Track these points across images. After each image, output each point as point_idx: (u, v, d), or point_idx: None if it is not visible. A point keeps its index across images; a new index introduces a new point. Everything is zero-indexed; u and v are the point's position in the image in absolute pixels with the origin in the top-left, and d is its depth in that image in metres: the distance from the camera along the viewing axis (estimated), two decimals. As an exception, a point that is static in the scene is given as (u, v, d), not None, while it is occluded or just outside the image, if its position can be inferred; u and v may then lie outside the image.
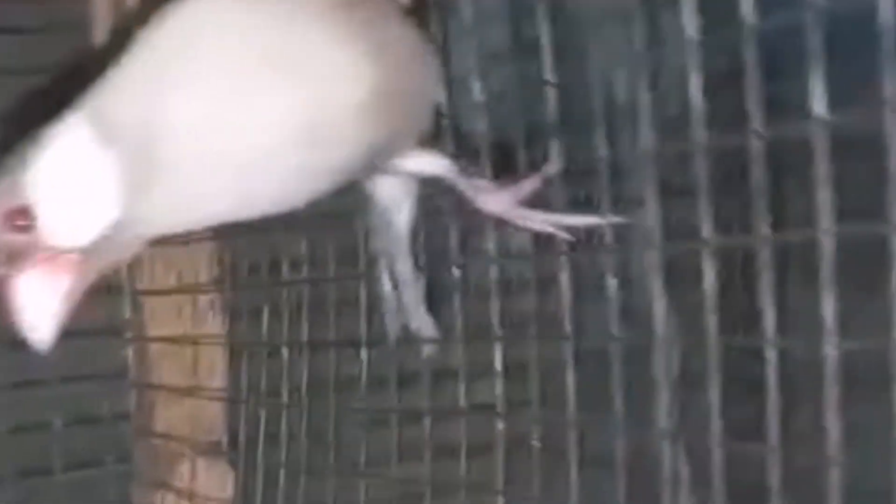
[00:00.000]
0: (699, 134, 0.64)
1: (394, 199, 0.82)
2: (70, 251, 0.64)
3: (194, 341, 1.11)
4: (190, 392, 1.09)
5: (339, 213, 0.88)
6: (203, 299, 1.11)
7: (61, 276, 0.64)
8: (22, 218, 0.64)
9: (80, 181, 0.64)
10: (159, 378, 1.13)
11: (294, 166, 0.66)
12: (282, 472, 0.98)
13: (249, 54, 0.64)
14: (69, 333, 1.08)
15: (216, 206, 0.67)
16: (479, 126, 0.79)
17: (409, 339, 0.85)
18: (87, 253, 0.64)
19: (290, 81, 0.64)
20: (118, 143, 0.64)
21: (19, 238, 0.64)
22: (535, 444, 0.77)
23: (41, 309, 0.64)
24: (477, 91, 0.79)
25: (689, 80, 0.64)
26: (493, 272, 0.79)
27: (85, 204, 0.64)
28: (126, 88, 0.65)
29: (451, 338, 0.82)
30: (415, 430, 0.86)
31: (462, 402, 0.82)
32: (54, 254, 0.64)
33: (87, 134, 0.64)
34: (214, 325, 1.10)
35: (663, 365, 0.68)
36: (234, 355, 1.08)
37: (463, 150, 0.80)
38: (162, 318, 1.13)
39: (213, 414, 1.09)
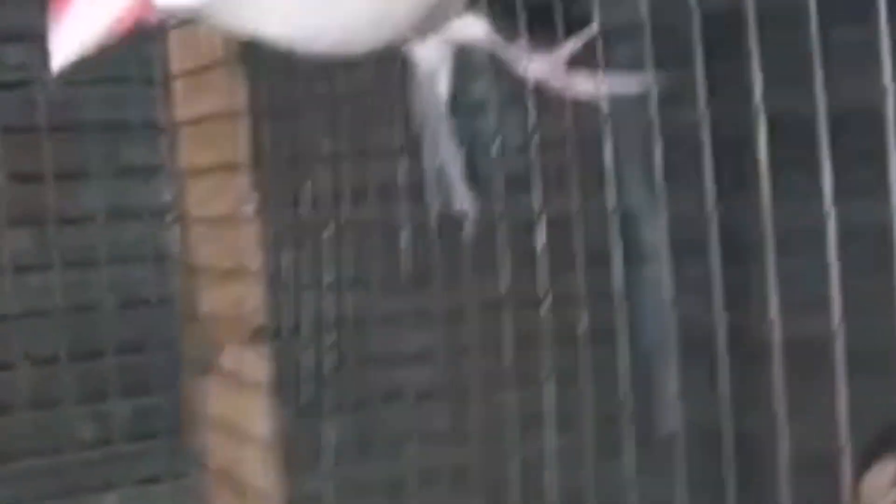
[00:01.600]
0: None
1: (434, 65, 0.79)
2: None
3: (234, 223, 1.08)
4: (230, 275, 1.07)
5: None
6: (243, 181, 1.08)
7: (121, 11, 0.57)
8: None
9: None
10: (202, 261, 1.11)
11: (364, 5, 0.63)
12: (323, 359, 0.96)
13: None
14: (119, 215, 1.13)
15: (294, 18, 0.62)
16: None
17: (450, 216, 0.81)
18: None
19: None
20: None
21: None
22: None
23: (81, 28, 0.57)
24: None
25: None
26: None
27: None
28: None
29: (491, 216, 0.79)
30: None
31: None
32: None
33: None
34: (254, 208, 1.07)
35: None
36: (276, 239, 1.05)
37: (500, 12, 0.76)
38: (203, 201, 1.11)
39: (255, 298, 1.07)
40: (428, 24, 0.70)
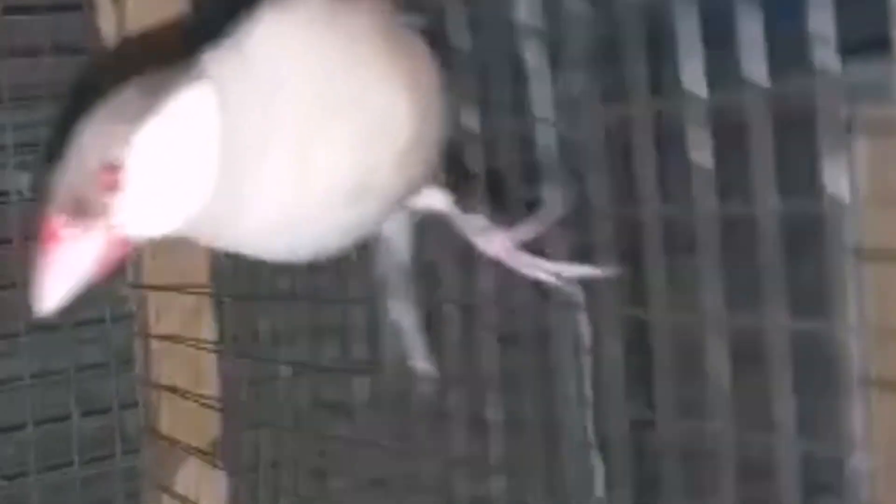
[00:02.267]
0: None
1: (395, 230, 0.80)
2: (125, 235, 0.61)
3: (188, 343, 1.08)
4: (183, 395, 1.07)
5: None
6: (200, 302, 1.08)
7: (98, 246, 0.60)
8: (109, 174, 0.60)
9: (182, 158, 0.61)
10: (160, 376, 1.10)
11: (339, 222, 0.66)
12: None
13: (329, 102, 0.63)
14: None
15: (270, 242, 0.66)
16: (476, 161, 0.75)
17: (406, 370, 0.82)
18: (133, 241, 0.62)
19: (347, 128, 0.64)
20: (227, 130, 0.61)
21: (95, 194, 0.60)
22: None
23: (64, 277, 0.60)
24: (473, 125, 0.75)
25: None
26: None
27: (175, 190, 0.61)
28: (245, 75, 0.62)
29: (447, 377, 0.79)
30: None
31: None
32: (110, 229, 0.60)
33: (211, 101, 0.61)
34: (211, 330, 1.07)
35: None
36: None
37: (461, 184, 0.76)
38: (165, 315, 1.11)
39: (210, 417, 1.07)
40: (396, 209, 0.71)
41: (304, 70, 0.63)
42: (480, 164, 0.76)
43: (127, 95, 0.61)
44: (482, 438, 0.76)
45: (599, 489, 0.70)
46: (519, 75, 0.72)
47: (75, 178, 0.60)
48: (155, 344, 1.11)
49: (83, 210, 0.60)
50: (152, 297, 1.11)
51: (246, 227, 0.64)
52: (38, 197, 1.12)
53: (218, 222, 0.63)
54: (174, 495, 1.08)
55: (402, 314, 0.81)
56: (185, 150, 0.61)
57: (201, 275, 1.08)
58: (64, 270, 0.60)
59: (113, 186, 0.60)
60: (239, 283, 1.00)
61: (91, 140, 0.60)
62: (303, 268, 0.86)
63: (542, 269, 0.72)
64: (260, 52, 0.63)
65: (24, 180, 1.16)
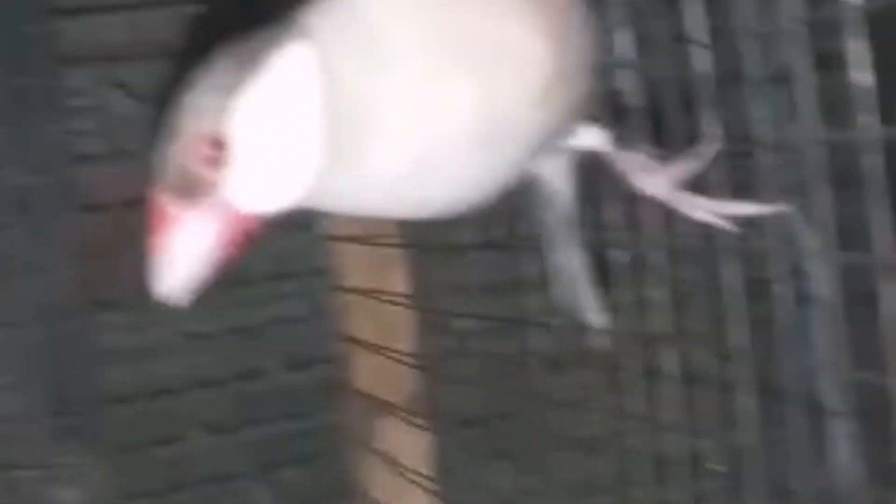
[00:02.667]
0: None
1: (556, 176, 0.74)
2: (251, 217, 0.58)
3: (380, 296, 1.05)
4: (378, 350, 1.04)
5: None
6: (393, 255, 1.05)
7: (212, 225, 0.57)
8: (212, 149, 0.57)
9: (288, 125, 0.57)
10: (355, 330, 1.08)
11: (472, 168, 0.61)
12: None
13: (444, 39, 0.58)
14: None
15: (397, 197, 0.61)
16: (634, 93, 0.69)
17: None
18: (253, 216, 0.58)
19: (479, 71, 0.59)
20: (332, 90, 0.57)
21: (200, 170, 0.57)
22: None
23: (181, 259, 0.57)
24: (630, 54, 0.69)
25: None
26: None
27: (286, 159, 0.57)
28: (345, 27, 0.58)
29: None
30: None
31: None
32: (225, 206, 0.57)
33: (312, 61, 0.57)
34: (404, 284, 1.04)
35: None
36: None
37: (619, 120, 0.70)
38: (357, 267, 1.09)
39: (406, 371, 1.04)
40: (541, 150, 0.66)
41: (417, 8, 0.58)
42: (638, 98, 0.70)
43: (222, 62, 0.57)
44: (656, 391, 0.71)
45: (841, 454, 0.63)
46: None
47: (178, 155, 0.57)
48: (349, 298, 1.09)
49: (191, 188, 0.57)
50: (346, 249, 1.09)
51: (370, 185, 0.59)
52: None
53: (339, 186, 0.59)
54: (374, 451, 1.06)
55: (569, 263, 0.76)
56: (291, 115, 0.57)
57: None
58: (180, 252, 0.57)
59: (218, 161, 0.56)
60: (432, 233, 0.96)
61: (190, 114, 0.57)
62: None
63: (704, 208, 0.66)
64: None
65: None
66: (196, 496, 1.13)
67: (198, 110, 0.57)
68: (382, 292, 1.05)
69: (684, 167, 0.67)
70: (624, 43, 0.70)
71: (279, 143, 0.57)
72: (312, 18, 0.58)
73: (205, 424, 1.14)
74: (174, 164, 0.57)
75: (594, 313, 0.76)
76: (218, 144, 0.56)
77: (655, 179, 0.68)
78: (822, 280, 0.59)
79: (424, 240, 0.99)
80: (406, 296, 1.04)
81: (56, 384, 1.11)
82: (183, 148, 0.56)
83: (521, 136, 0.61)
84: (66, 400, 1.11)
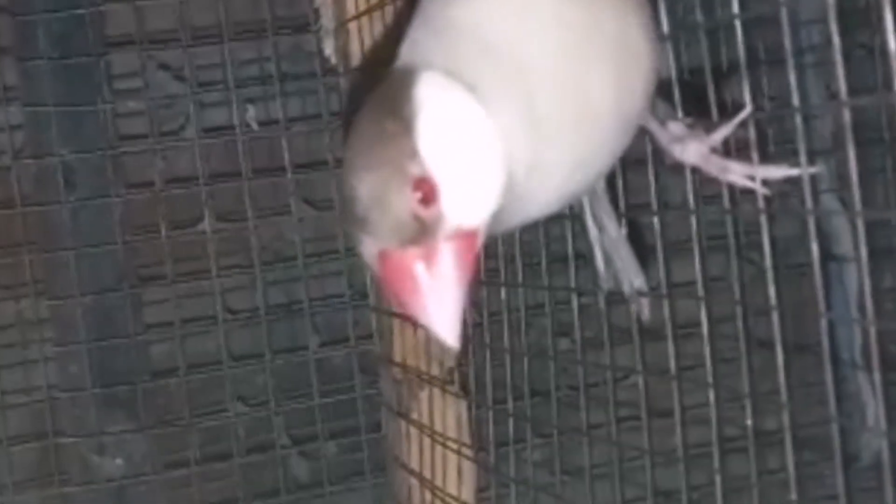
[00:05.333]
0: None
1: None
2: (469, 229, 0.59)
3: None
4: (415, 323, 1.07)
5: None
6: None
7: (459, 257, 0.58)
8: (420, 190, 0.58)
9: (470, 146, 0.59)
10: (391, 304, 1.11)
11: (611, 155, 0.66)
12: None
13: (583, 39, 0.62)
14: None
15: (563, 189, 0.65)
16: (668, 65, 0.71)
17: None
18: (480, 230, 0.59)
19: (616, 68, 0.63)
20: (494, 100, 0.60)
21: (420, 212, 0.58)
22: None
23: (445, 303, 0.58)
24: (663, 26, 0.71)
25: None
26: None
27: (478, 174, 0.59)
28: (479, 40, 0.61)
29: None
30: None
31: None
32: (453, 233, 0.58)
33: (462, 94, 0.60)
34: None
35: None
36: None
37: (655, 91, 0.73)
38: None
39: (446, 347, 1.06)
40: None
41: (557, 17, 0.62)
42: (673, 69, 0.72)
43: (378, 110, 0.60)
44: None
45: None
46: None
47: (392, 209, 0.58)
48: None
49: (416, 232, 0.58)
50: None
51: (546, 181, 0.63)
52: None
53: (521, 184, 0.61)
54: (413, 423, 1.08)
55: (607, 232, 0.79)
56: (467, 135, 0.59)
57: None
58: (440, 297, 0.58)
59: (430, 197, 0.58)
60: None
61: (381, 171, 0.58)
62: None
63: (738, 173, 0.68)
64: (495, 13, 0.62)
65: (251, 114, 1.19)
66: (235, 467, 1.16)
67: (389, 165, 0.58)
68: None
69: (718, 133, 0.69)
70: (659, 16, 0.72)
71: (468, 162, 0.59)
72: (438, 43, 0.62)
73: (244, 397, 1.18)
74: (392, 218, 0.58)
75: (634, 279, 0.78)
76: (422, 183, 0.58)
77: (690, 146, 0.70)
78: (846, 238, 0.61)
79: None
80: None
81: (102, 356, 1.14)
82: (394, 201, 0.58)
83: (633, 124, 0.66)
84: (111, 371, 1.15)
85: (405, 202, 0.58)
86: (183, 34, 1.15)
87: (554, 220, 0.81)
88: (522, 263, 0.90)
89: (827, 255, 0.63)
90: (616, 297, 0.81)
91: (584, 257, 0.83)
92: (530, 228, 0.83)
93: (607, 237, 0.79)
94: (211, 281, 1.15)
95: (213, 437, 1.16)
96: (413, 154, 0.58)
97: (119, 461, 1.16)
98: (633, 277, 0.79)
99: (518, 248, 0.89)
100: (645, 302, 0.78)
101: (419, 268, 0.58)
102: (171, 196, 1.15)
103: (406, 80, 0.60)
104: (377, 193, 0.58)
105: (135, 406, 1.15)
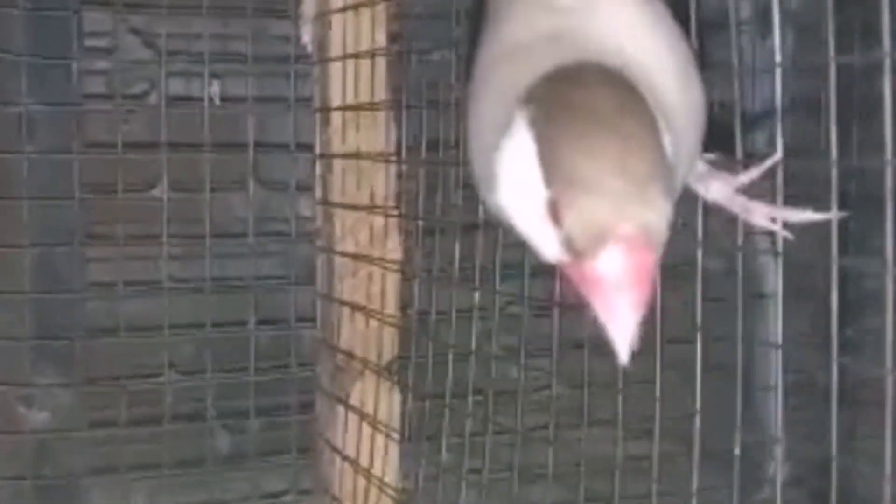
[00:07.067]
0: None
1: None
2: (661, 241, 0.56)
3: (371, 261, 1.11)
4: (366, 313, 1.10)
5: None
6: (382, 222, 1.11)
7: (639, 272, 0.56)
8: (658, 204, 0.56)
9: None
10: (341, 293, 1.14)
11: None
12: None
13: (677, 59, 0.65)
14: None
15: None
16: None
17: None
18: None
19: (696, 87, 0.65)
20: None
21: (652, 224, 0.55)
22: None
23: (633, 309, 0.56)
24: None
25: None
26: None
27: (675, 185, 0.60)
28: None
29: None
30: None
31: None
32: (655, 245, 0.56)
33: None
34: (393, 250, 1.10)
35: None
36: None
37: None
38: (348, 234, 1.14)
39: (387, 339, 1.10)
40: None
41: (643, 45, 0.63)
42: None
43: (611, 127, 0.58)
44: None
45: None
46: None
47: (632, 218, 0.55)
48: (337, 262, 1.14)
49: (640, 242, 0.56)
50: (339, 215, 1.14)
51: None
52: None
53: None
54: (349, 408, 1.11)
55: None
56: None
57: (388, 199, 1.11)
58: (629, 307, 0.56)
59: (659, 211, 0.56)
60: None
61: (632, 179, 0.56)
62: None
63: (761, 214, 0.71)
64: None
65: (215, 88, 1.21)
66: (160, 433, 1.17)
67: (640, 180, 0.56)
68: (374, 258, 1.11)
69: (744, 175, 0.72)
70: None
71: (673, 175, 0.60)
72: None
73: (176, 365, 1.19)
74: (636, 228, 0.55)
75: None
76: (657, 198, 0.56)
77: (714, 185, 0.73)
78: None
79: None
80: (397, 262, 1.10)
81: (41, 308, 1.15)
82: (638, 214, 0.55)
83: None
84: (48, 325, 1.15)
85: (647, 215, 0.56)
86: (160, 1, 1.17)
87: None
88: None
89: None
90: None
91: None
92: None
93: None
94: (159, 247, 1.16)
95: (143, 401, 1.17)
96: (657, 171, 0.56)
97: (45, 414, 1.16)
98: None
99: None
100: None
101: (624, 274, 0.56)
102: (129, 161, 1.16)
103: (626, 94, 0.59)
104: (624, 206, 0.55)
105: (69, 362, 1.15)
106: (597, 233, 0.55)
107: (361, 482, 1.09)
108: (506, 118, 0.60)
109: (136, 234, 1.17)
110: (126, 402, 1.15)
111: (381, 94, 1.11)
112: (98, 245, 1.17)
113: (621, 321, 0.56)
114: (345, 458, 1.11)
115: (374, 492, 1.07)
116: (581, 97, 0.57)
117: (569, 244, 0.56)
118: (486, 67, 0.66)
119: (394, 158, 1.10)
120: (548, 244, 0.58)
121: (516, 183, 0.59)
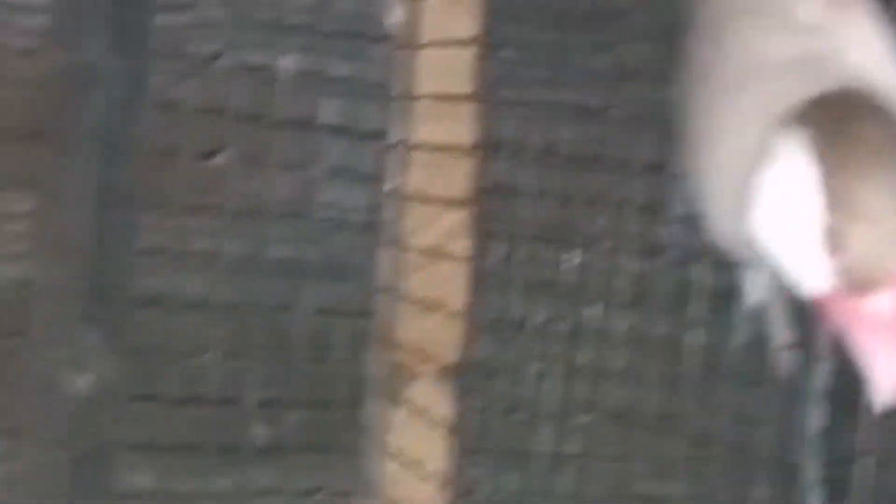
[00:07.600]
0: None
1: None
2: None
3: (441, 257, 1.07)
4: (432, 308, 1.06)
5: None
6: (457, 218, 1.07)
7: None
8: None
9: None
10: (406, 288, 1.10)
11: None
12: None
13: None
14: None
15: None
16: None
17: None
18: None
19: None
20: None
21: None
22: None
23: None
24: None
25: None
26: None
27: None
28: None
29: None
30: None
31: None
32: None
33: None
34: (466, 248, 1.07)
35: None
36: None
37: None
38: (419, 228, 1.10)
39: (452, 335, 1.06)
40: None
41: None
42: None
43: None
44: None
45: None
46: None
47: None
48: (404, 256, 1.10)
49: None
50: (410, 208, 1.10)
51: None
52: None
53: None
54: (402, 405, 1.07)
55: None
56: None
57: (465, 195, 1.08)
58: (883, 356, 0.54)
59: None
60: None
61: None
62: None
63: None
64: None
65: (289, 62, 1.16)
66: (197, 415, 1.12)
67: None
68: (445, 255, 1.07)
69: None
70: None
71: None
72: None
73: (224, 348, 1.14)
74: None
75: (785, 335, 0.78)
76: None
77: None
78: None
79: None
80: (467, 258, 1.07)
81: (92, 269, 1.09)
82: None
83: None
84: (98, 288, 1.10)
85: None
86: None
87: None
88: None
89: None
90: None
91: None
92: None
93: (774, 283, 0.79)
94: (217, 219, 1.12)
95: (184, 380, 1.12)
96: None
97: (88, 378, 1.10)
98: (782, 329, 0.79)
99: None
100: (786, 356, 0.78)
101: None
102: (193, 125, 1.12)
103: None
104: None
105: (115, 329, 1.10)
106: (880, 268, 0.51)
107: (413, 485, 1.05)
108: (758, 143, 0.57)
109: (193, 205, 1.12)
110: (167, 378, 1.10)
111: (467, 87, 1.08)
112: (154, 213, 1.13)
113: (886, 363, 0.53)
114: (397, 460, 1.07)
115: (426, 495, 1.03)
116: (859, 127, 0.55)
117: (848, 275, 0.53)
118: (719, 91, 0.63)
119: (476, 153, 1.07)
120: (814, 273, 0.55)
121: (781, 207, 0.56)
